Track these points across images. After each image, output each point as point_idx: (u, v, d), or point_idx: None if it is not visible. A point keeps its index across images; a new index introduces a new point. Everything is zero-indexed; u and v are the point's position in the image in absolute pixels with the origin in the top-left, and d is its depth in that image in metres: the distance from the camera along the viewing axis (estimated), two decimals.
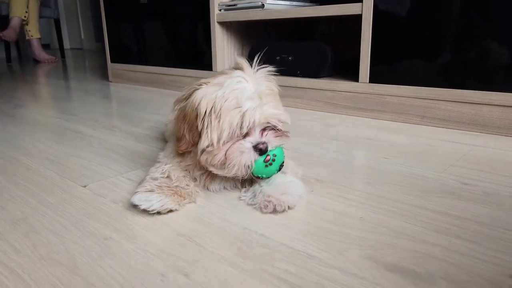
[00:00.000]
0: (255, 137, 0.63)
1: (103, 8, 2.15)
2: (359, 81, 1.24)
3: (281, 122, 0.65)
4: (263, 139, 0.63)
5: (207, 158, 0.63)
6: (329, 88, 1.33)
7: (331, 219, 0.60)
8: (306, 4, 1.53)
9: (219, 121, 0.60)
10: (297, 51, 1.46)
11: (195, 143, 0.64)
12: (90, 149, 0.99)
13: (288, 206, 0.62)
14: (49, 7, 3.90)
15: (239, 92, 0.61)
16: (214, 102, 0.61)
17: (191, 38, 1.74)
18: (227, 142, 0.61)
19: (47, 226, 0.59)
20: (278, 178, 0.65)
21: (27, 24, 3.59)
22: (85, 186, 0.75)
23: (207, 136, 0.61)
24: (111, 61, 2.22)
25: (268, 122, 0.63)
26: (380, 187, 0.72)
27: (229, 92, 0.61)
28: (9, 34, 3.43)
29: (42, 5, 3.77)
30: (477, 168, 0.80)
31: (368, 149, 0.95)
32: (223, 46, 1.63)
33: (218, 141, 0.61)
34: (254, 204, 0.64)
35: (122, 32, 2.11)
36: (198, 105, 0.62)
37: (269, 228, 0.58)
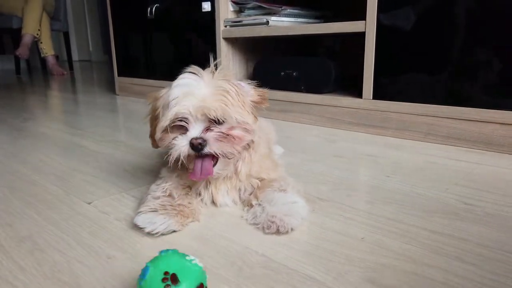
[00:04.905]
0: (191, 133, 0.63)
1: (111, 23, 2.19)
2: (363, 97, 1.25)
3: (223, 118, 0.63)
4: (200, 135, 0.63)
5: (160, 143, 0.68)
6: (333, 104, 1.34)
7: (332, 240, 0.60)
8: (311, 21, 1.55)
9: (162, 115, 0.65)
10: (301, 66, 1.47)
11: (155, 144, 0.71)
12: (95, 164, 1.01)
13: (291, 228, 0.62)
14: (59, 21, 3.97)
15: (180, 88, 0.63)
16: (163, 99, 0.66)
17: (197, 53, 1.76)
18: (172, 132, 0.65)
19: (52, 244, 0.60)
20: (281, 198, 0.66)
21: (41, 42, 3.66)
22: (90, 203, 0.76)
23: (157, 129, 0.66)
24: (118, 75, 2.25)
25: (209, 118, 0.63)
26: (382, 207, 0.72)
27: (173, 89, 0.64)
28: (23, 51, 3.51)
29: (52, 18, 3.84)
30: (480, 187, 0.81)
31: (371, 166, 0.96)
32: (228, 62, 1.65)
33: (163, 131, 0.65)
34: (257, 224, 0.64)
35: (129, 47, 2.14)
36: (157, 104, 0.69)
37: (270, 248, 0.58)
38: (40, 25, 3.59)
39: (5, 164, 1.03)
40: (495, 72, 1.01)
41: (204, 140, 0.62)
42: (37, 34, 3.59)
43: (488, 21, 1.00)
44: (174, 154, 0.63)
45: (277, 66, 1.52)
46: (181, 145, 0.63)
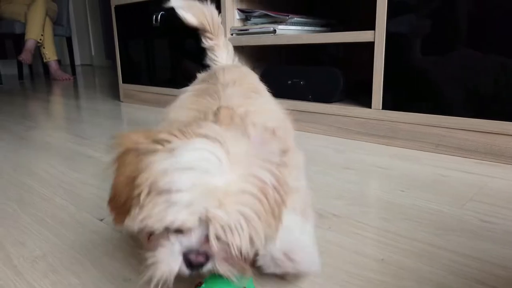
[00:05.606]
0: (190, 240, 0.39)
1: (116, 31, 2.18)
2: (372, 107, 1.24)
3: (235, 247, 0.38)
4: (202, 248, 0.39)
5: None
6: (341, 113, 1.33)
7: (350, 260, 0.59)
8: (317, 29, 1.55)
9: (146, 204, 0.38)
10: (309, 75, 1.46)
11: (120, 219, 0.42)
12: (103, 176, 1.00)
13: (301, 271, 0.50)
14: (62, 26, 3.97)
15: (189, 176, 0.37)
16: (154, 175, 0.38)
17: (202, 62, 1.76)
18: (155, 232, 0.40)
19: (66, 265, 0.59)
20: (286, 233, 0.47)
21: (43, 47, 3.65)
22: (101, 220, 0.75)
23: (133, 216, 0.39)
24: (123, 82, 2.25)
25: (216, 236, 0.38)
26: (398, 224, 0.71)
27: (177, 173, 0.38)
28: (27, 57, 3.51)
29: (55, 24, 3.84)
30: (496, 203, 0.80)
31: (383, 179, 0.95)
32: None
33: (140, 229, 0.39)
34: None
35: (134, 54, 2.14)
36: (139, 174, 0.40)
37: None
38: (43, 30, 3.59)
39: (12, 176, 1.02)
40: (508, 83, 1.00)
41: (208, 257, 0.40)
42: (40, 39, 3.60)
43: (501, 29, 0.99)
44: (156, 273, 0.39)
45: (283, 75, 1.52)
46: (169, 261, 0.39)
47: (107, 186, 0.92)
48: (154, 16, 1.90)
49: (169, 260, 0.39)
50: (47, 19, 3.64)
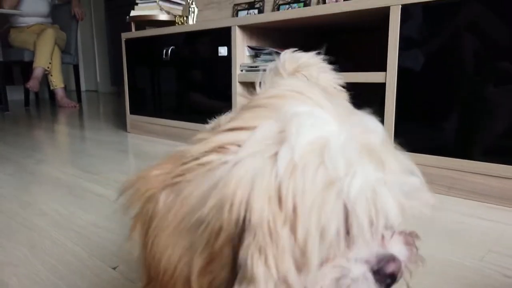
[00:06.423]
0: (370, 249, 0.28)
1: (125, 63, 2.21)
2: None
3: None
4: (390, 251, 0.29)
5: None
6: None
7: None
8: None
9: (293, 230, 0.25)
10: None
11: None
12: (115, 218, 0.99)
13: None
14: (70, 54, 4.03)
15: (325, 147, 0.27)
16: (278, 187, 0.26)
17: (212, 97, 1.77)
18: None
19: None
20: None
21: (51, 75, 3.70)
22: (114, 268, 0.73)
23: (262, 270, 0.25)
24: (130, 113, 2.26)
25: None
26: (419, 277, 0.69)
27: (306, 152, 0.27)
28: (34, 85, 3.55)
29: (63, 52, 3.90)
30: None
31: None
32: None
33: (298, 273, 0.26)
34: None
35: (142, 86, 2.16)
36: (234, 205, 0.27)
37: None
38: (51, 58, 3.65)
39: (22, 216, 1.01)
40: None
41: (396, 259, 0.30)
42: (48, 67, 3.64)
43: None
44: None
45: None
46: (355, 275, 0.28)
47: (119, 229, 0.90)
48: (164, 51, 1.92)
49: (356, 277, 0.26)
50: (56, 47, 3.70)
